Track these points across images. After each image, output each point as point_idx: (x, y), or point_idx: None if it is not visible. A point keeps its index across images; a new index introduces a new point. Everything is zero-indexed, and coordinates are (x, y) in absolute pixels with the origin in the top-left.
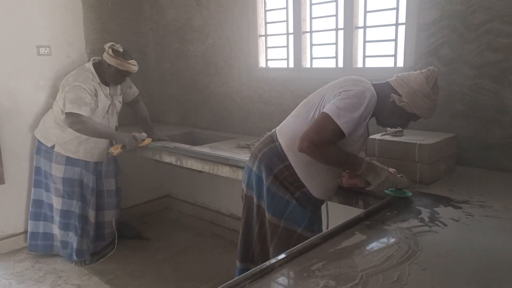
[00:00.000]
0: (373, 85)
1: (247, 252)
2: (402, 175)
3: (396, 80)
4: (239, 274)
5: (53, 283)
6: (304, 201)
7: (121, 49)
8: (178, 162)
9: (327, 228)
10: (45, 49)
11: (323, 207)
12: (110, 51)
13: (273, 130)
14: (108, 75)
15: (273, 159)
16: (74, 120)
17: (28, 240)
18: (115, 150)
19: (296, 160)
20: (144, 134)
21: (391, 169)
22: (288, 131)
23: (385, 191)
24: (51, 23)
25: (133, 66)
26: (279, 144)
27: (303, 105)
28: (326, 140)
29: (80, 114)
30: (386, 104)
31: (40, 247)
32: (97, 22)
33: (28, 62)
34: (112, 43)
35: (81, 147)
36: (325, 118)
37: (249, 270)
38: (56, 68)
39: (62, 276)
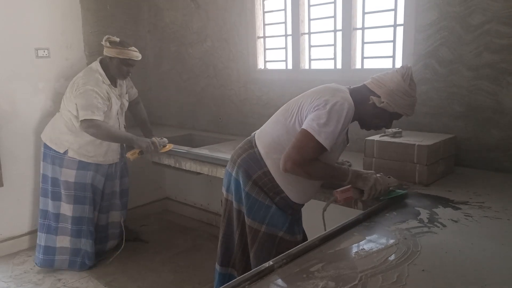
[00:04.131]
0: (352, 90)
1: (228, 256)
2: (389, 176)
3: (373, 82)
4: (219, 278)
5: (52, 285)
6: (284, 205)
7: (117, 39)
8: (177, 164)
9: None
10: (44, 51)
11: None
12: (107, 43)
13: (252, 134)
14: (113, 69)
15: (251, 165)
16: (88, 125)
17: (35, 252)
18: (132, 155)
19: (275, 167)
20: (165, 140)
21: (378, 174)
22: (267, 137)
23: (380, 198)
24: (50, 26)
25: (135, 52)
26: (258, 150)
27: (282, 112)
28: (308, 157)
29: (93, 119)
30: (367, 107)
31: (41, 261)
32: (95, 24)
33: (27, 65)
34: (107, 36)
35: (98, 151)
36: (306, 136)
37: (229, 274)
38: (55, 70)
39: (61, 279)
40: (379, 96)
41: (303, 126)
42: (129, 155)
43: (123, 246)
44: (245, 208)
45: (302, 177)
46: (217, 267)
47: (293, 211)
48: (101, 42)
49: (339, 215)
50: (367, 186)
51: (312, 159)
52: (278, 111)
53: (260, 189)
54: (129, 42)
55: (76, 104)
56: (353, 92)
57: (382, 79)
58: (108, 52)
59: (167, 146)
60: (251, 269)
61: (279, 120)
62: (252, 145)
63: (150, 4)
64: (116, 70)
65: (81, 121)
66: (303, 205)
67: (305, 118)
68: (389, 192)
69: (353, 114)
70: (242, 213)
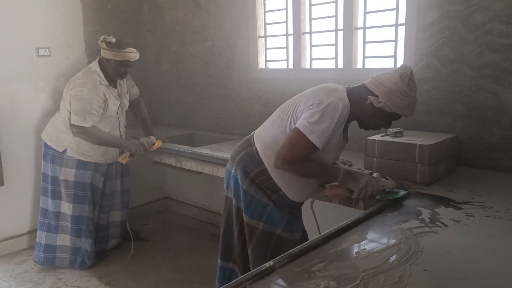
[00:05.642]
0: (350, 89)
1: (229, 252)
2: (387, 178)
3: (372, 82)
4: (220, 272)
5: (53, 285)
6: (281, 203)
7: (113, 40)
8: (178, 164)
9: (318, 228)
10: (45, 50)
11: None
12: (104, 44)
13: (252, 133)
14: (110, 70)
15: (249, 163)
16: (78, 131)
17: (35, 250)
18: (123, 159)
19: (272, 165)
20: (152, 138)
21: (374, 174)
22: (264, 136)
23: (376, 197)
24: (51, 25)
25: (131, 53)
26: (256, 148)
27: (279, 111)
28: (299, 156)
29: (83, 126)
30: (365, 107)
31: (42, 259)
32: (96, 24)
33: (27, 64)
34: (104, 36)
35: (97, 150)
36: (297, 134)
37: (230, 269)
38: (56, 70)
39: (62, 278)
40: (377, 96)
41: (296, 125)
42: (120, 159)
43: (132, 250)
44: (243, 205)
45: (293, 174)
46: (219, 261)
47: (291, 209)
48: (98, 42)
49: (340, 214)
50: (356, 188)
51: (303, 157)
52: (276, 111)
53: (257, 187)
54: (126, 42)
55: (70, 103)
56: (351, 92)
57: (380, 79)
58: (104, 53)
59: (156, 144)
60: (250, 266)
61: (276, 120)
62: (250, 143)
63: (150, 3)
64: (113, 71)
65: (72, 125)
66: (302, 203)
67: (300, 117)
68: (386, 194)
69: (349, 114)
70: (241, 210)
